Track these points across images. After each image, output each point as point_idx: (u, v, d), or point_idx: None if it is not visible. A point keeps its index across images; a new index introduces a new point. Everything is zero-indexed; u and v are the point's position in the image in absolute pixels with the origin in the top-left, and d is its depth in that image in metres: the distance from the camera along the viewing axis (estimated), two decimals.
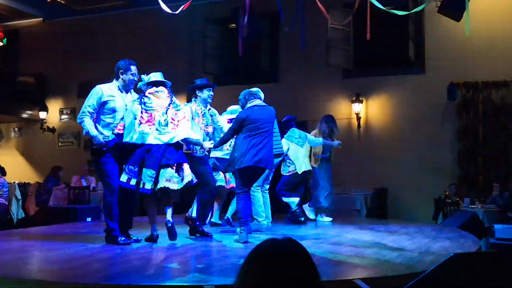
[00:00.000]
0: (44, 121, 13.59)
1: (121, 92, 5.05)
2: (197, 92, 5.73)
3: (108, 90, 4.98)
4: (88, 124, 4.85)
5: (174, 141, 4.91)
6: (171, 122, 4.95)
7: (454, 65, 9.93)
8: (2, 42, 12.61)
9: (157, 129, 4.84)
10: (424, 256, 4.27)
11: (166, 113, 4.93)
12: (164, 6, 6.70)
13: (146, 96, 4.97)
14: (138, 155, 4.80)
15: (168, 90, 5.11)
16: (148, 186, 4.75)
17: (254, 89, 5.73)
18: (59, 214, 8.54)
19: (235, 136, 5.36)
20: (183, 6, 6.78)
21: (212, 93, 5.77)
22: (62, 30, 13.70)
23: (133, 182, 4.76)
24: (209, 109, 5.79)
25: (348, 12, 9.43)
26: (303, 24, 7.80)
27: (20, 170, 13.36)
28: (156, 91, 5.01)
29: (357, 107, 10.55)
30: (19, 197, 9.03)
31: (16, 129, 14.11)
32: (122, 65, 5.06)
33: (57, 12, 13.02)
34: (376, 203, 9.72)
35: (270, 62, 11.57)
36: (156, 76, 5.11)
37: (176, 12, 6.90)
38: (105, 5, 12.58)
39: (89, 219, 7.57)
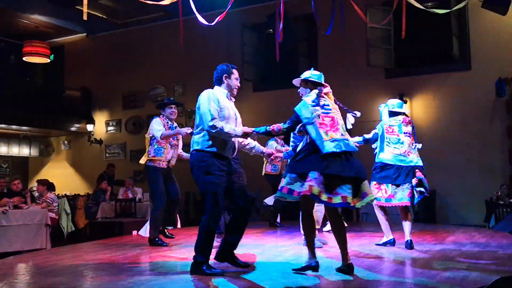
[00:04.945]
0: (92, 133, 13.97)
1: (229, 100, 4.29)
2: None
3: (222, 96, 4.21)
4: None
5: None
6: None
7: (501, 60, 9.55)
8: (49, 58, 12.98)
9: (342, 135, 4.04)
10: (472, 271, 4.07)
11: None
12: (201, 18, 6.71)
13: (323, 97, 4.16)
14: None
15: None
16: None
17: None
18: (106, 227, 8.75)
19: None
20: (219, 17, 6.78)
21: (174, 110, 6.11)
22: (104, 44, 14.07)
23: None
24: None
25: (388, 11, 9.20)
26: (341, 25, 7.67)
27: (70, 182, 13.81)
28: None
29: None
30: (69, 211, 9.30)
31: (65, 142, 14.57)
32: (225, 69, 4.26)
33: (99, 27, 13.39)
34: (424, 206, 9.41)
35: (308, 65, 11.39)
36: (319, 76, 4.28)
37: (213, 24, 6.90)
38: (145, 18, 12.83)
39: (134, 232, 7.64)
